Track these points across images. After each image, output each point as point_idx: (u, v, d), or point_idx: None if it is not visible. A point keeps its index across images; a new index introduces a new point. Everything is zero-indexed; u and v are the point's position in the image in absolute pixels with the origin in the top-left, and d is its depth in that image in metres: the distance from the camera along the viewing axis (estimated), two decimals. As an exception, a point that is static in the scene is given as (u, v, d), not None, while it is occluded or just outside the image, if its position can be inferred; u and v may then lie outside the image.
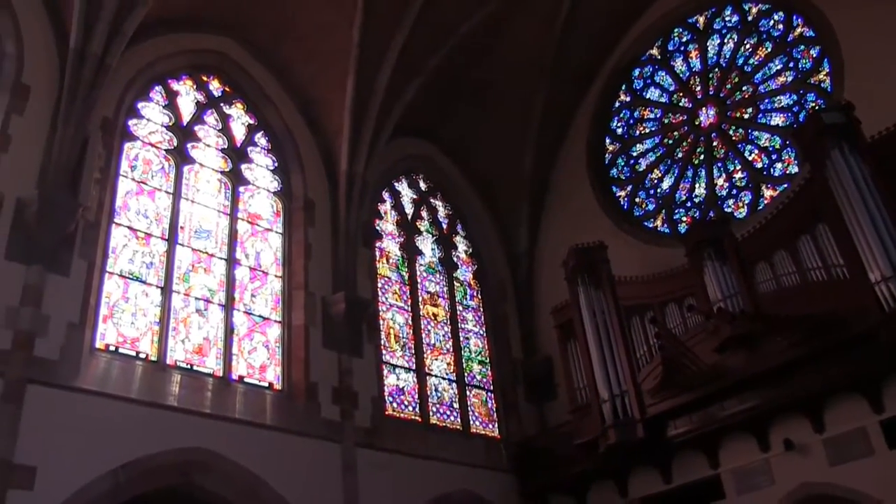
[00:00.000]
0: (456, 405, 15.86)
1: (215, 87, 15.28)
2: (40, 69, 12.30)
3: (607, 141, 18.84)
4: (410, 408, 15.05)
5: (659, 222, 17.34)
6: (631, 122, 18.70)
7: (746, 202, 16.12)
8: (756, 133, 16.51)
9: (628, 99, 18.85)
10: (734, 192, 16.43)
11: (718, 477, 13.46)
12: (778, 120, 16.23)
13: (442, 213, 18.36)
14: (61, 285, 11.05)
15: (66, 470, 9.94)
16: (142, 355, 11.90)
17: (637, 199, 17.90)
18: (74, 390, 10.55)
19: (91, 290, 11.52)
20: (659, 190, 17.63)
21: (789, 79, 16.33)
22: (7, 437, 9.60)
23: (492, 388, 16.79)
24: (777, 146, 16.07)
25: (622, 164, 18.49)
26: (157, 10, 13.31)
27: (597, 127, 18.81)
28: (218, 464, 11.48)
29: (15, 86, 12.00)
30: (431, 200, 18.29)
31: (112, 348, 11.63)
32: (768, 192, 15.82)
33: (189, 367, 12.38)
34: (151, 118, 13.93)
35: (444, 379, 16.01)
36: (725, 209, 16.26)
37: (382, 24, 15.08)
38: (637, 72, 18.83)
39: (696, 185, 17.07)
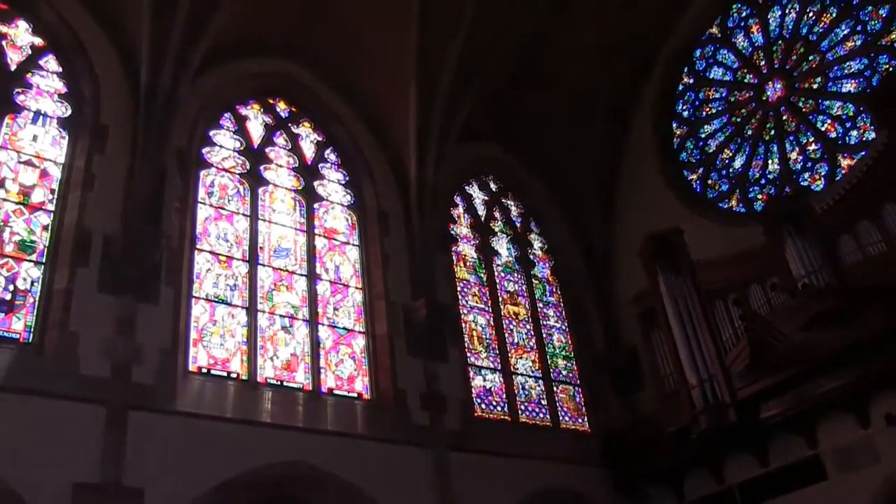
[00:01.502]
0: (544, 402, 15.85)
1: (282, 108, 15.63)
2: (116, 108, 12.85)
3: (674, 125, 18.57)
4: (499, 408, 15.11)
5: (734, 202, 17.05)
6: (696, 103, 18.41)
7: (823, 174, 15.75)
8: (827, 102, 16.11)
9: (692, 81, 18.55)
10: (809, 164, 16.06)
11: (818, 457, 13.07)
12: (849, 87, 15.81)
13: (514, 212, 18.39)
14: (152, 313, 11.47)
15: (172, 489, 10.29)
16: (233, 375, 12.25)
17: (710, 181, 17.62)
18: (172, 413, 10.94)
19: (180, 315, 11.92)
20: (731, 170, 17.34)
21: (858, 43, 15.88)
22: (114, 461, 10.02)
23: (578, 382, 16.73)
24: (850, 114, 15.65)
25: (691, 146, 18.24)
26: (220, 39, 13.64)
27: (662, 112, 18.55)
28: (314, 475, 11.73)
29: (94, 127, 12.59)
30: (503, 201, 18.34)
31: (204, 370, 12.01)
32: (845, 162, 15.42)
33: (279, 383, 12.68)
34: (223, 144, 14.34)
35: (530, 377, 16.01)
36: (801, 183, 15.89)
37: (439, 29, 15.11)
38: (698, 52, 18.52)
39: (769, 162, 16.73)
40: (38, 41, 13.13)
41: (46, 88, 12.80)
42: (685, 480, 14.84)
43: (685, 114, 18.56)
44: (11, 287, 10.98)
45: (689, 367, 13.87)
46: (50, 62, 13.09)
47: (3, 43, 12.77)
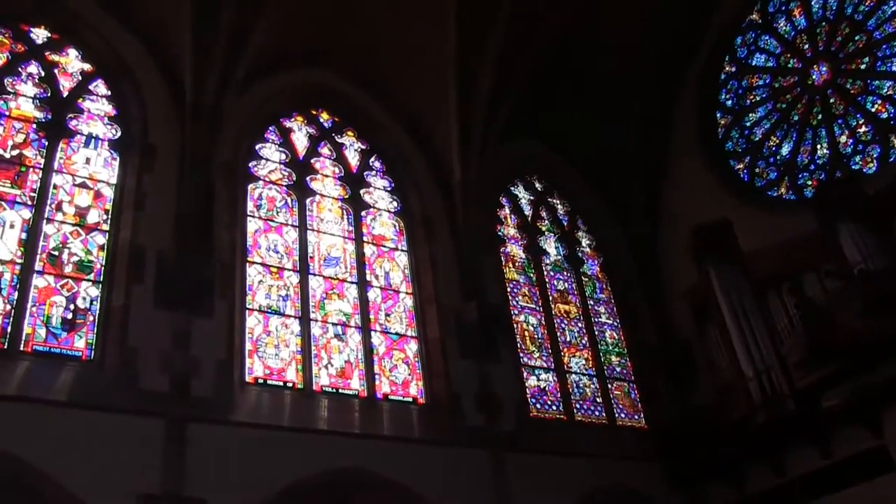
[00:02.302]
0: (599, 399, 15.78)
1: (325, 118, 15.84)
2: (163, 127, 13.17)
3: (718, 115, 18.34)
4: (554, 407, 15.08)
5: (783, 190, 16.80)
6: (740, 92, 18.17)
7: (875, 156, 15.47)
8: (876, 82, 15.81)
9: (734, 69, 18.31)
10: (860, 147, 15.78)
11: (884, 448, 12.60)
12: (899, 65, 15.52)
13: (561, 210, 18.35)
14: (207, 327, 11.70)
15: (232, 499, 10.46)
16: (289, 384, 12.42)
17: (757, 170, 17.38)
18: (231, 424, 11.15)
19: (234, 328, 12.15)
20: (779, 157, 17.08)
21: (907, 19, 15.57)
22: (176, 473, 10.24)
23: (632, 378, 16.61)
24: (902, 92, 15.38)
25: (736, 136, 17.99)
26: (261, 55, 13.91)
27: (705, 102, 18.35)
28: (371, 480, 11.83)
29: (143, 147, 12.93)
30: (549, 199, 18.31)
31: (261, 381, 12.20)
32: (898, 142, 15.15)
33: (335, 390, 12.84)
34: (270, 157, 14.58)
35: (584, 374, 15.96)
36: (853, 167, 15.64)
37: (476, 29, 15.12)
38: (739, 40, 18.28)
39: (818, 146, 16.47)
40: (87, 67, 13.54)
41: (97, 112, 13.19)
42: (744, 474, 14.55)
43: (729, 103, 18.32)
44: (72, 306, 11.28)
45: (744, 359, 13.68)
46: (99, 86, 13.50)
47: (56, 71, 13.20)
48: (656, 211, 18.34)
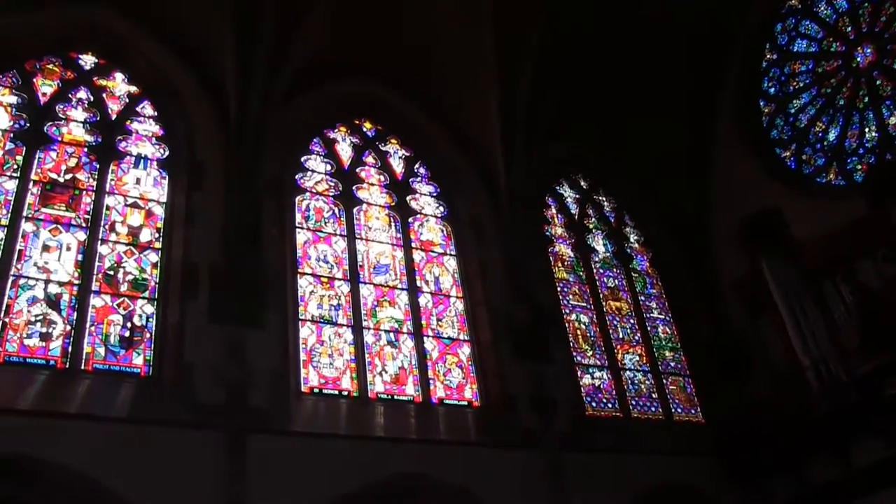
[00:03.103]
0: (655, 395, 15.62)
1: (368, 127, 15.97)
2: (209, 144, 13.36)
3: (761, 104, 18.07)
4: (609, 405, 14.97)
5: (832, 175, 16.51)
6: (782, 79, 17.89)
7: (926, 137, 15.20)
8: (925, 62, 15.56)
9: (775, 57, 18.03)
10: (909, 128, 15.52)
11: None
12: (948, 42, 15.24)
13: (607, 207, 18.26)
14: (261, 339, 11.80)
15: (295, 508, 10.61)
16: (344, 392, 12.53)
17: (804, 157, 17.09)
18: (289, 434, 11.25)
19: (288, 339, 12.27)
20: (825, 142, 16.80)
21: (953, -8, 15.31)
22: (237, 483, 10.34)
23: (687, 372, 16.42)
24: (952, 69, 15.08)
25: (781, 123, 17.71)
26: (302, 67, 14.11)
27: (747, 92, 18.08)
28: (429, 485, 11.85)
29: (191, 165, 13.13)
30: (595, 197, 18.23)
31: (316, 390, 12.32)
32: (949, 121, 14.86)
33: (390, 397, 12.90)
34: (315, 169, 14.75)
35: (638, 371, 15.84)
36: (903, 148, 15.38)
37: (515, 30, 15.13)
38: (779, 27, 18.02)
39: (866, 130, 16.16)
40: (134, 89, 13.82)
41: (145, 133, 13.45)
42: (806, 466, 14.12)
43: (772, 91, 18.04)
44: (129, 324, 11.50)
45: (800, 349, 13.50)
46: (146, 108, 13.76)
47: (104, 95, 13.53)
48: (703, 203, 18.07)
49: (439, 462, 12.04)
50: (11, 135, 12.34)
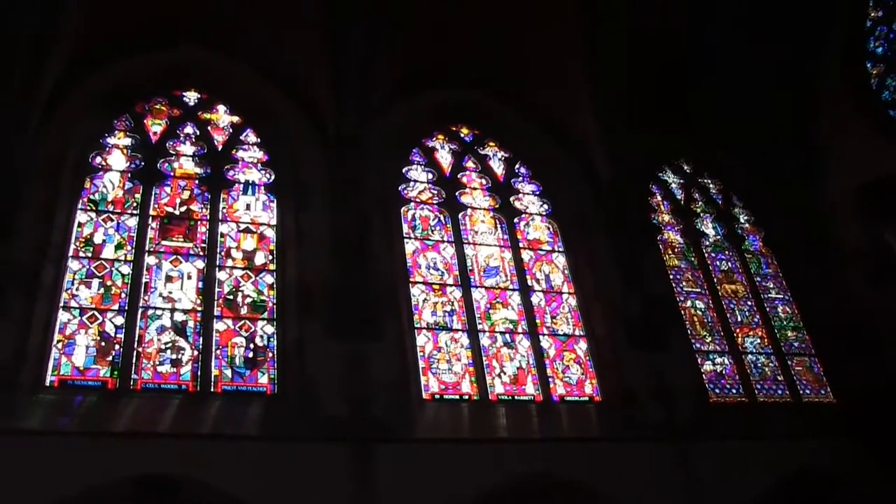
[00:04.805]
0: (780, 377, 15.05)
1: (465, 133, 16.09)
2: (311, 163, 13.73)
3: (868, 65, 17.23)
4: (734, 391, 14.51)
5: (953, 134, 15.68)
6: (891, 37, 17.05)
7: None
8: None
9: (881, 14, 17.18)
10: None
11: None
12: None
13: (713, 189, 17.78)
14: (379, 350, 11.99)
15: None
16: (465, 397, 12.61)
17: (922, 117, 16.30)
18: (414, 441, 11.39)
19: (406, 348, 12.44)
20: (944, 100, 16.00)
21: None
22: (367, 493, 10.51)
23: (812, 351, 15.74)
24: None
25: (893, 84, 16.86)
26: (395, 79, 14.33)
27: (852, 53, 17.26)
28: (555, 483, 11.74)
29: (296, 185, 13.52)
30: (700, 180, 17.78)
31: (437, 396, 12.44)
32: None
33: (511, 398, 12.90)
34: (418, 179, 14.95)
35: (760, 354, 15.30)
36: None
37: (607, 27, 15.01)
38: (885, -18, 17.28)
39: None
40: (236, 119, 14.36)
41: (250, 160, 13.93)
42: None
43: (879, 51, 17.21)
44: (252, 346, 11.90)
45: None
46: (249, 135, 14.27)
47: (209, 128, 14.11)
48: (815, 174, 17.22)
49: (565, 460, 11.93)
50: (129, 174, 13.05)
